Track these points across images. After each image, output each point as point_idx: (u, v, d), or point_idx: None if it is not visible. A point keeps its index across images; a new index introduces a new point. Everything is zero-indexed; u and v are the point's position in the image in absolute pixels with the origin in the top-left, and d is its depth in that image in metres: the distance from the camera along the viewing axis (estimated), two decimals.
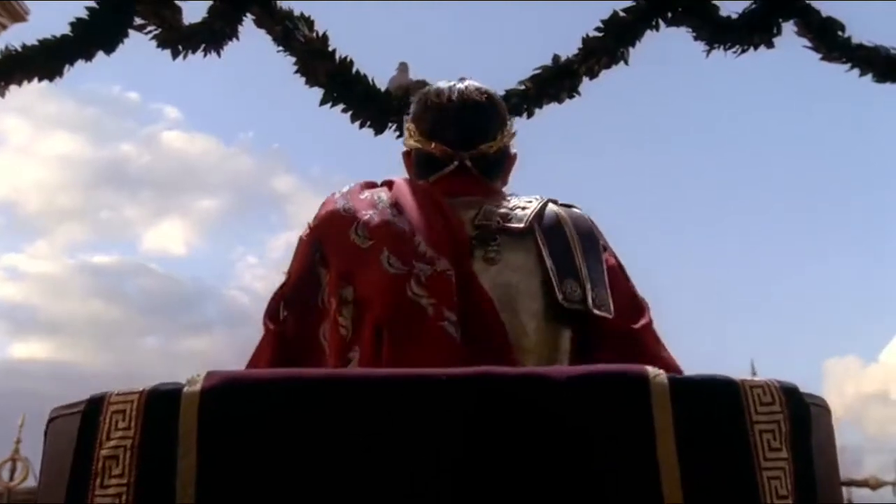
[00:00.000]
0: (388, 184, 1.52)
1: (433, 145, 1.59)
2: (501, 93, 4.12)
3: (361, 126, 4.23)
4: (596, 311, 1.40)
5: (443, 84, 1.65)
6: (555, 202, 1.56)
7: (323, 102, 4.27)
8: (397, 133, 4.10)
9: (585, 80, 4.20)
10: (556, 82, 4.15)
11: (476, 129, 1.61)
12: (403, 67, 4.29)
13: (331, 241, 1.43)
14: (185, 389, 0.95)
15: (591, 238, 1.51)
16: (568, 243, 1.47)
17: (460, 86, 1.62)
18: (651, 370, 0.95)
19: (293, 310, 1.45)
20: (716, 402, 0.96)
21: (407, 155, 1.68)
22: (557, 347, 1.42)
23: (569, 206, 1.57)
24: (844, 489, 6.53)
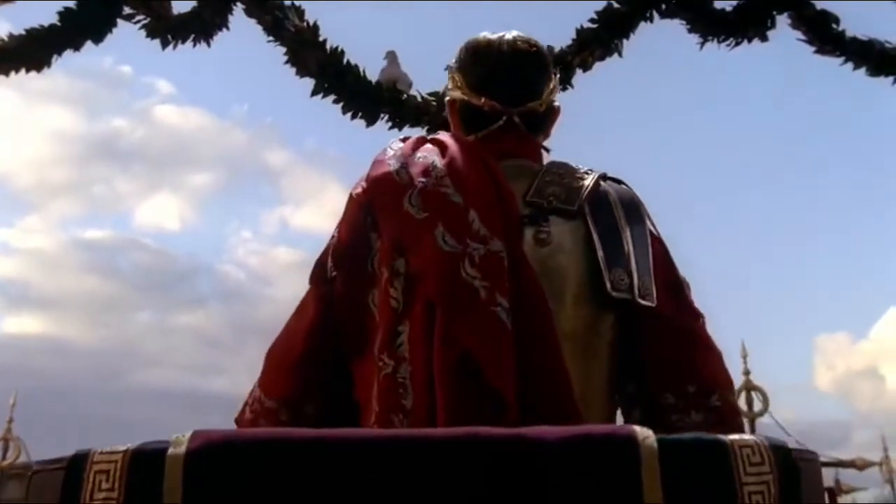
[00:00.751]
0: (439, 144, 1.49)
1: (482, 100, 1.56)
2: None
3: (353, 117, 4.21)
4: (640, 301, 1.41)
5: (490, 35, 1.62)
6: (604, 178, 1.56)
7: (314, 93, 4.24)
8: (389, 125, 4.07)
9: (579, 72, 4.17)
10: None
11: (526, 85, 1.59)
12: (392, 57, 4.26)
13: (384, 207, 1.42)
14: (170, 451, 0.94)
15: (639, 221, 1.51)
16: (617, 227, 1.47)
17: (509, 37, 1.60)
18: (640, 433, 0.95)
19: (343, 271, 1.45)
20: (705, 463, 0.95)
21: (451, 104, 1.65)
22: (599, 333, 1.43)
23: (619, 182, 1.57)
24: (832, 469, 6.61)
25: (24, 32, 4.37)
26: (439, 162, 1.44)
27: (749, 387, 6.22)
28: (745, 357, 6.40)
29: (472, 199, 1.37)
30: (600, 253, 1.42)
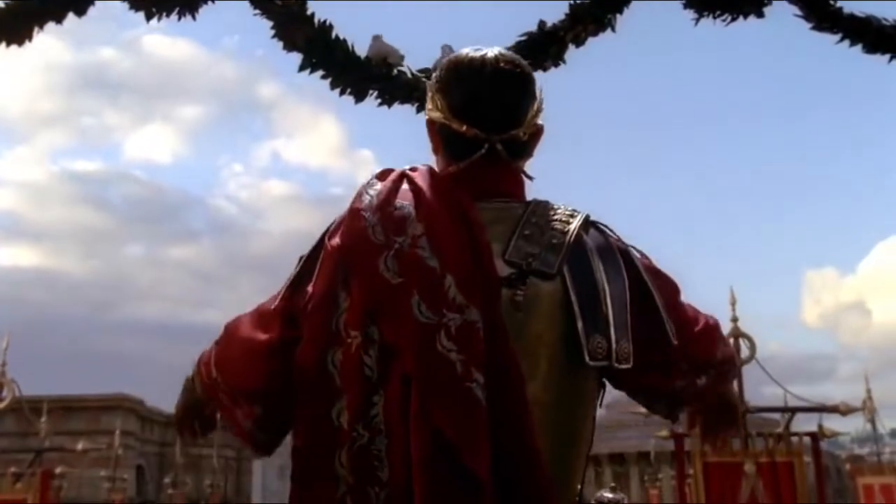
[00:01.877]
0: (416, 192, 1.44)
1: (464, 127, 1.51)
2: None
3: (342, 93, 4.13)
4: (617, 366, 1.42)
5: (472, 52, 1.56)
6: (586, 226, 1.53)
7: (301, 68, 4.14)
8: (378, 101, 4.01)
9: (571, 47, 4.09)
10: (541, 49, 4.04)
11: (509, 110, 1.54)
12: (377, 39, 4.15)
13: (359, 269, 1.39)
14: None
15: (618, 274, 1.49)
16: (596, 288, 1.44)
17: (491, 56, 1.54)
18: None
19: (308, 326, 1.41)
20: None
21: (431, 124, 1.59)
22: (574, 396, 1.44)
23: (600, 229, 1.55)
24: (815, 415, 6.80)
25: (3, 6, 4.25)
26: (416, 216, 1.40)
27: (737, 334, 6.35)
28: (733, 304, 6.51)
29: (448, 263, 1.35)
30: (580, 324, 1.40)
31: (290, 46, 4.16)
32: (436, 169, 1.55)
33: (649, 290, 1.51)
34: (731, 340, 6.33)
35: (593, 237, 1.51)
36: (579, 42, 4.04)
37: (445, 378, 1.27)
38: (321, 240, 1.51)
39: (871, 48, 3.87)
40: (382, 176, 1.50)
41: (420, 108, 4.24)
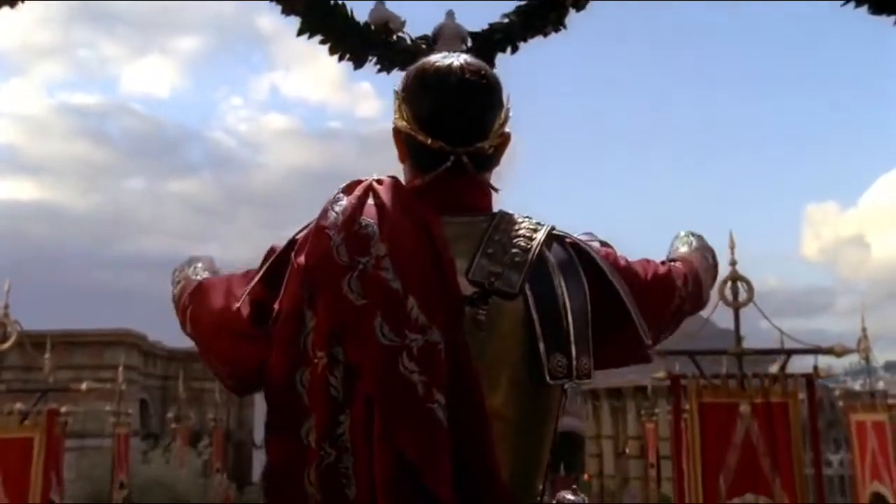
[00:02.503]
0: (381, 208, 1.46)
1: (429, 140, 1.53)
2: (485, 27, 3.98)
3: (340, 59, 4.08)
4: (577, 382, 1.47)
5: (439, 60, 1.57)
6: (549, 241, 1.54)
7: (300, 33, 4.08)
8: (378, 67, 3.96)
9: (572, 11, 4.01)
10: (541, 15, 3.97)
11: (475, 122, 1.55)
12: (378, 4, 4.08)
13: (323, 289, 1.41)
14: None
15: (579, 287, 1.51)
16: (557, 305, 1.47)
17: (457, 65, 1.55)
18: None
19: (275, 344, 1.43)
20: None
21: (397, 133, 1.60)
22: (535, 411, 1.48)
23: (563, 244, 1.56)
24: (810, 357, 6.87)
25: None
26: (379, 235, 1.42)
27: (735, 277, 6.37)
28: (732, 248, 6.51)
29: (411, 284, 1.38)
30: (541, 344, 1.44)
31: (288, 10, 4.09)
32: (402, 179, 1.56)
33: (617, 294, 1.55)
34: (730, 283, 6.36)
35: (555, 252, 1.54)
36: (580, 6, 3.95)
37: (407, 399, 1.32)
38: (291, 243, 1.52)
39: (876, 9, 3.80)
40: (349, 189, 1.51)
41: None
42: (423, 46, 3.78)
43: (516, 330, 1.45)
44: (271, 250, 1.57)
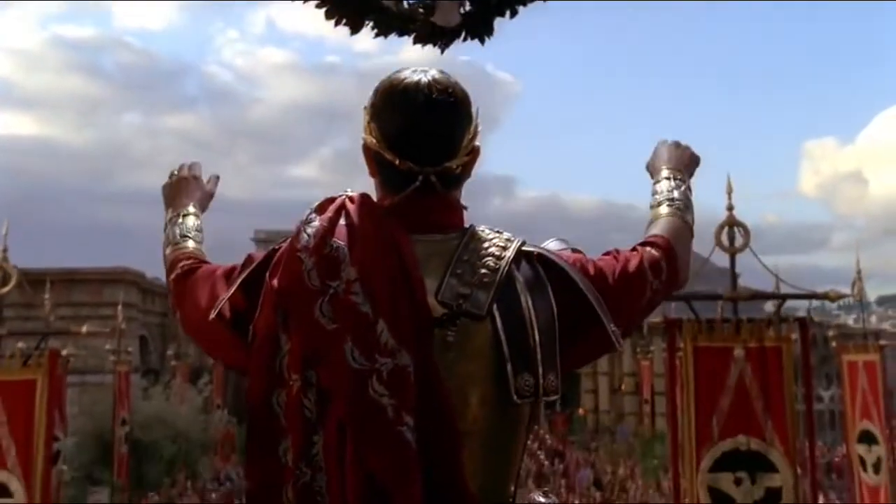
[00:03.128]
0: (351, 229, 1.47)
1: (397, 161, 1.54)
2: None
3: (337, 24, 3.99)
4: (545, 399, 1.50)
5: (408, 76, 1.56)
6: (520, 256, 1.55)
7: None
8: (374, 32, 3.89)
9: None
10: None
11: (442, 141, 1.55)
12: None
13: (295, 313, 1.44)
14: None
15: (546, 306, 1.53)
16: (524, 323, 1.49)
17: (425, 81, 1.54)
18: None
19: (253, 366, 1.48)
20: None
21: (366, 150, 1.60)
22: (503, 428, 1.51)
23: (531, 261, 1.57)
24: (804, 301, 6.94)
25: None
26: (349, 259, 1.44)
27: (731, 222, 6.38)
28: (729, 193, 6.51)
29: (381, 307, 1.40)
30: (508, 365, 1.46)
31: None
32: (373, 196, 1.57)
33: (588, 302, 1.56)
34: (726, 230, 6.39)
35: (523, 270, 1.55)
36: None
37: (377, 423, 1.35)
38: (270, 254, 1.55)
39: None
40: (322, 209, 1.52)
41: (416, 41, 4.11)
42: (420, 11, 3.70)
43: (485, 350, 1.47)
44: (249, 259, 1.61)
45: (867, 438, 9.15)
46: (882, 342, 9.72)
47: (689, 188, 1.95)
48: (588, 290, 1.56)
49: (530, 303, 1.50)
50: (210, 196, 2.04)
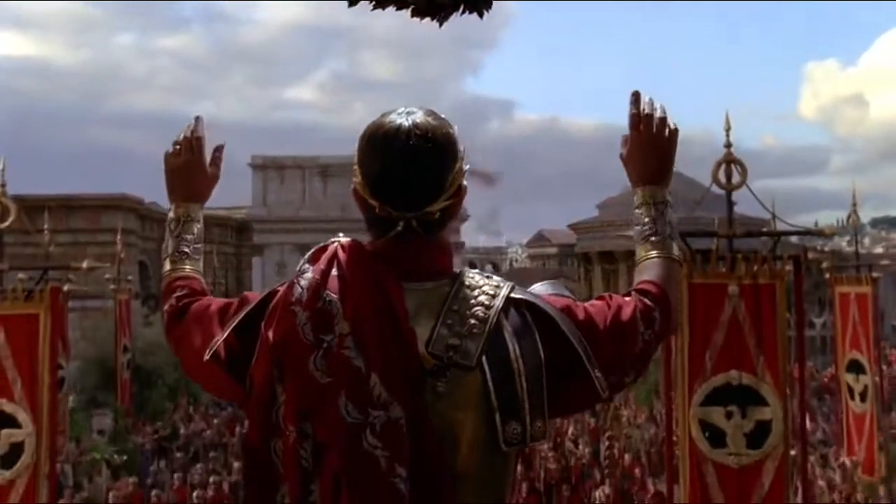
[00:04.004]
0: (342, 281, 1.50)
1: (377, 207, 1.56)
2: None
3: None
4: (532, 444, 1.56)
5: (391, 119, 1.57)
6: (508, 304, 1.57)
7: None
8: (372, 3, 3.82)
9: None
10: None
11: (422, 187, 1.55)
12: None
13: (290, 367, 1.47)
14: None
15: (534, 355, 1.55)
16: (512, 374, 1.52)
17: (406, 126, 1.54)
18: None
19: (250, 417, 1.52)
20: None
21: (355, 193, 1.62)
22: (492, 470, 1.55)
23: (521, 308, 1.58)
24: (797, 238, 7.01)
25: None
26: (342, 312, 1.47)
27: (729, 159, 6.38)
28: (727, 130, 6.49)
29: (373, 360, 1.44)
30: (497, 415, 1.49)
31: None
32: (364, 243, 1.59)
33: (575, 352, 1.57)
34: (724, 166, 6.39)
35: (512, 319, 1.56)
36: None
37: (371, 475, 1.40)
38: (266, 297, 1.59)
39: None
40: (314, 259, 1.55)
41: (414, 14, 4.02)
42: None
43: (474, 399, 1.50)
44: (244, 299, 1.65)
45: (855, 368, 9.35)
46: (874, 274, 9.83)
47: (668, 205, 1.88)
48: (574, 338, 1.58)
49: (518, 351, 1.53)
50: (215, 180, 2.02)
